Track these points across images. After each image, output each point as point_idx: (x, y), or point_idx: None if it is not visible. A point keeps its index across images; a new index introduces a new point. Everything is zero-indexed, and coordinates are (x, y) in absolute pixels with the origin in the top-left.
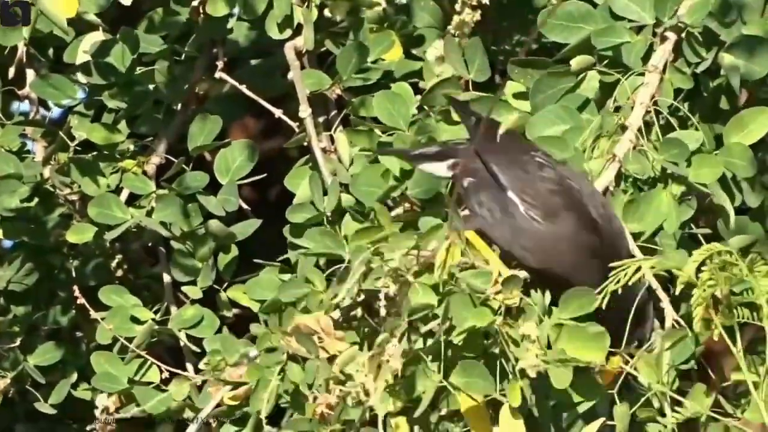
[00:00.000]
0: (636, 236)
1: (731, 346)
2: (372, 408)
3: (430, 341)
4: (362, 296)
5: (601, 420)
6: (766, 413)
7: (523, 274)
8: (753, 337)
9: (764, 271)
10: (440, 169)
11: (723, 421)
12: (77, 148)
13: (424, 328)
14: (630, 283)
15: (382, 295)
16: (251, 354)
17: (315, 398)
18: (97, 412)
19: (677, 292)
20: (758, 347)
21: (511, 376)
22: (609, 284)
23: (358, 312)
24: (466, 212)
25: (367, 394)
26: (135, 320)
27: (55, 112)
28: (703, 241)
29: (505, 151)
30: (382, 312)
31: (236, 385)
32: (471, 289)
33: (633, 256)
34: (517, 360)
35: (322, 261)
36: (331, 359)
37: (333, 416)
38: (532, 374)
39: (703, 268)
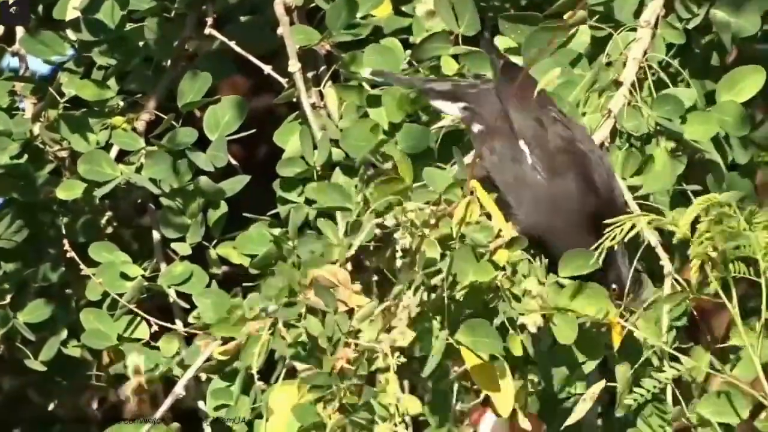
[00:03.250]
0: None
1: (726, 301)
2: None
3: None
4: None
5: (603, 382)
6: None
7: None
8: (744, 292)
9: (764, 224)
10: (453, 109)
11: (719, 377)
12: (67, 105)
13: (432, 281)
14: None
15: (398, 246)
16: (270, 308)
17: (333, 352)
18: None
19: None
20: (749, 304)
21: (511, 332)
22: (605, 241)
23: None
24: (471, 158)
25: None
26: (125, 276)
27: (45, 69)
28: (692, 198)
29: (523, 100)
30: (398, 263)
31: (226, 340)
32: (474, 243)
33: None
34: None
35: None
36: (349, 312)
37: (351, 371)
38: (533, 329)
39: (700, 220)
